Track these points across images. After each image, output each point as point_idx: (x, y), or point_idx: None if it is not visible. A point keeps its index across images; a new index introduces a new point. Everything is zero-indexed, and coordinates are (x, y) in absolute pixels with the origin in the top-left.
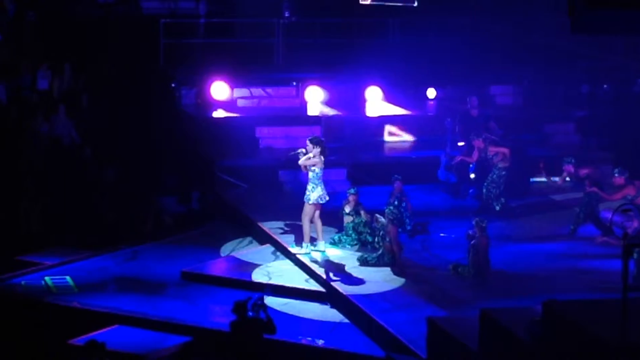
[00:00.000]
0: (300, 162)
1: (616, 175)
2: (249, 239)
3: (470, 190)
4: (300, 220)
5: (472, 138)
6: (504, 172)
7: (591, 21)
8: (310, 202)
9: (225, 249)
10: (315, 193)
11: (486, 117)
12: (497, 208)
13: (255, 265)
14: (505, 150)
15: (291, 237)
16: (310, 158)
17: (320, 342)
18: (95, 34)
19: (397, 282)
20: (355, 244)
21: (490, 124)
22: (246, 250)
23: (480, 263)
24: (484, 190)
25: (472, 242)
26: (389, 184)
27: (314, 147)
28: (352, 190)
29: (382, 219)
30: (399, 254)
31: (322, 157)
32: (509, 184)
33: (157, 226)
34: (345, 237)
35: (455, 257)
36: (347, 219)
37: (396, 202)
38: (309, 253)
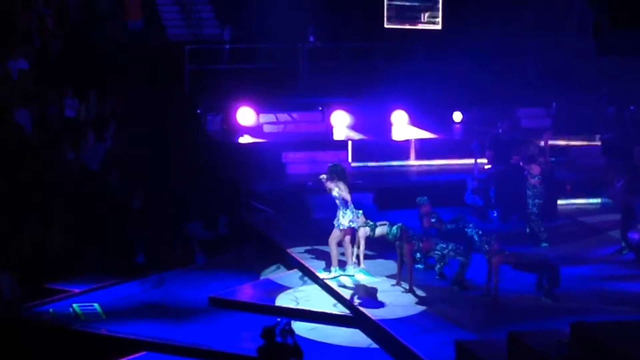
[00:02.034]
0: (337, 195)
1: None
2: (276, 264)
3: (494, 214)
4: (327, 244)
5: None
6: (538, 200)
7: (616, 43)
8: (339, 227)
9: (255, 275)
10: (346, 218)
11: (516, 141)
12: (545, 244)
13: (283, 291)
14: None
15: (319, 262)
16: (341, 193)
17: None
18: (121, 60)
19: (424, 305)
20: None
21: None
22: (274, 275)
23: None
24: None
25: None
26: (415, 208)
27: (334, 179)
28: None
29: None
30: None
31: (347, 186)
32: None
33: (185, 252)
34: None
35: (476, 278)
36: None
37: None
38: (337, 277)
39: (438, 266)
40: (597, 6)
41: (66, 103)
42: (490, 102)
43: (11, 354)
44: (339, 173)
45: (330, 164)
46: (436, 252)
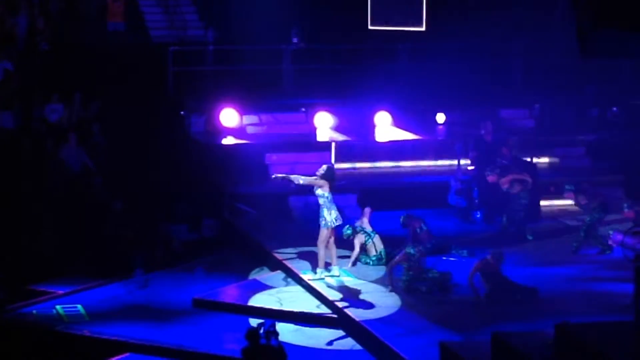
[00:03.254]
0: (302, 181)
1: (626, 210)
2: (260, 266)
3: (478, 215)
4: (312, 245)
5: (486, 174)
6: (524, 200)
7: (599, 45)
8: (328, 226)
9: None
10: (330, 216)
11: (499, 142)
12: (530, 237)
13: (266, 292)
14: (522, 177)
15: (302, 263)
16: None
17: None
18: (104, 62)
19: (408, 306)
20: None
21: (502, 150)
22: (258, 276)
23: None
24: (504, 218)
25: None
26: (399, 209)
27: (321, 176)
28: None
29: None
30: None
31: (327, 181)
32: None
33: (167, 254)
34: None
35: (461, 280)
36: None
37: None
38: (323, 279)
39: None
40: (580, 7)
41: (51, 108)
42: (473, 104)
43: None
44: (328, 174)
45: (326, 165)
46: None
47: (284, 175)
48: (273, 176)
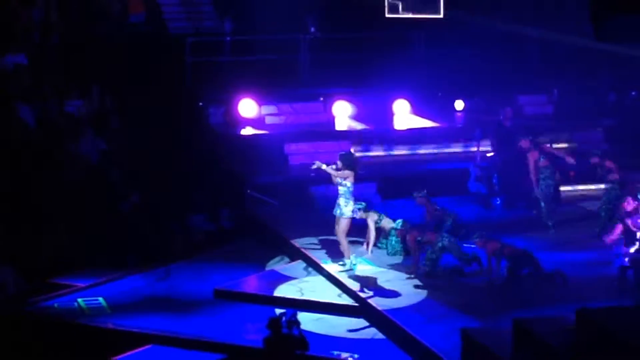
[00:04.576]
0: (332, 173)
1: None
2: (280, 256)
3: (498, 202)
4: (332, 235)
5: (519, 139)
6: (550, 181)
7: (614, 29)
8: (346, 216)
9: (259, 266)
10: (349, 207)
11: (518, 129)
12: (550, 223)
13: (287, 282)
14: (552, 152)
15: (323, 253)
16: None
17: (355, 356)
18: (122, 54)
19: (428, 293)
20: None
21: (522, 141)
22: (278, 266)
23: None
24: (542, 204)
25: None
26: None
27: (343, 165)
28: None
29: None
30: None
31: (353, 172)
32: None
33: (187, 245)
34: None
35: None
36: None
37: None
38: (352, 269)
39: (433, 256)
40: None
41: (69, 103)
42: (491, 90)
43: (16, 349)
44: (352, 164)
45: (342, 154)
46: (439, 242)
47: (321, 166)
48: (313, 166)
